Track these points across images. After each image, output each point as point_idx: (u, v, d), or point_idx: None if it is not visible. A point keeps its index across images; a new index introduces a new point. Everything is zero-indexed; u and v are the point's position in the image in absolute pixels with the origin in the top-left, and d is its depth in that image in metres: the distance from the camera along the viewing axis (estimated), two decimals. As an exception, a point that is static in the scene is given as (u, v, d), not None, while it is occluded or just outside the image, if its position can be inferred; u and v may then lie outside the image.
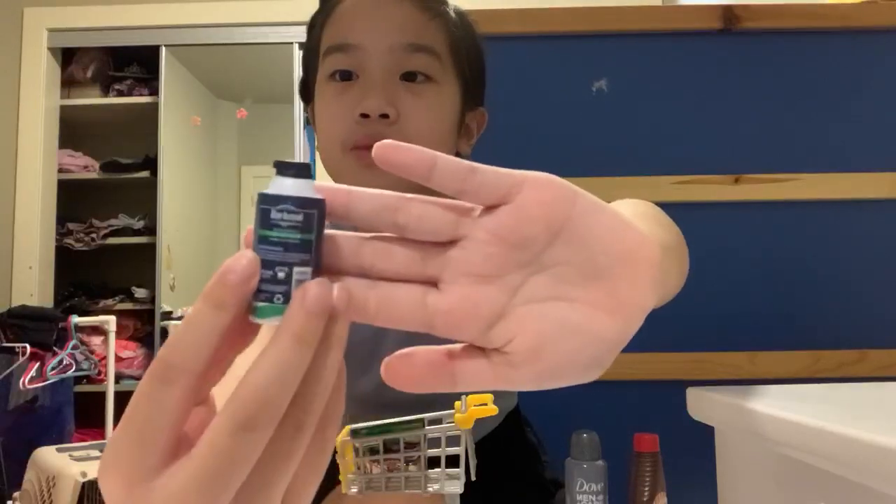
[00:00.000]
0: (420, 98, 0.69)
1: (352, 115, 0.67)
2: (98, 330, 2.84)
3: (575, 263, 0.29)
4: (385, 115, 0.67)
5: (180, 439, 0.27)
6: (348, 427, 0.54)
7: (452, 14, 0.74)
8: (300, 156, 3.13)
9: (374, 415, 0.75)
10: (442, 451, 0.51)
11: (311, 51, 0.77)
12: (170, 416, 0.26)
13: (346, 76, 0.70)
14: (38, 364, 2.33)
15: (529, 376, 0.30)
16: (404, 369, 0.31)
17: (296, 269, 0.28)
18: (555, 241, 0.29)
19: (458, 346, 0.32)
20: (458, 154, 0.79)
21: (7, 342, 2.35)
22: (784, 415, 0.49)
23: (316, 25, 0.76)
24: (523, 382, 0.30)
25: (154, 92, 3.23)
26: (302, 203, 0.28)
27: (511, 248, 0.30)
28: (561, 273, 0.30)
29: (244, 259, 0.27)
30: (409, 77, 0.69)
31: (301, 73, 0.80)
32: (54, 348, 2.40)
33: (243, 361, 0.28)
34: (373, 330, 0.81)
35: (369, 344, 0.81)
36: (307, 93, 0.79)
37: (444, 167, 0.30)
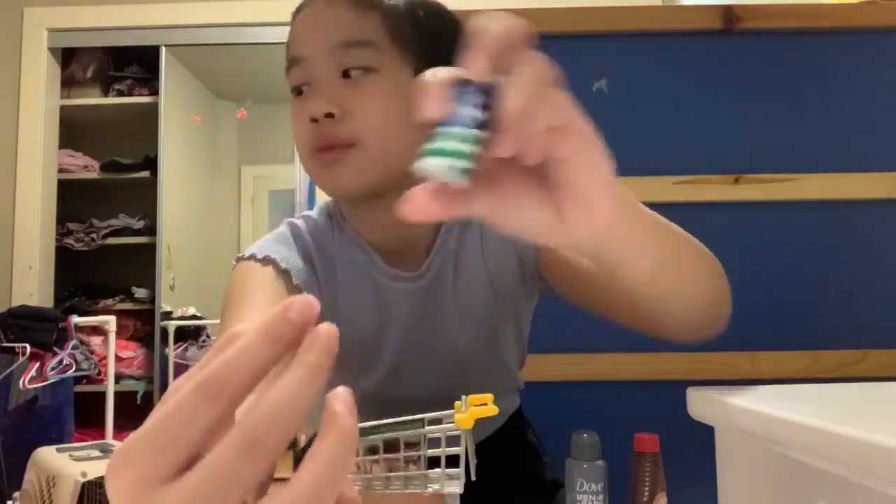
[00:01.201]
0: (362, 90, 0.70)
1: (306, 123, 0.71)
2: (98, 330, 2.84)
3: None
4: (330, 115, 0.70)
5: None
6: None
7: (391, 2, 0.74)
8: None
9: (376, 413, 0.76)
10: (442, 451, 0.51)
11: None
12: (202, 431, 0.26)
13: (301, 89, 0.73)
14: (38, 364, 2.34)
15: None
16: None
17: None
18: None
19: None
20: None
21: (7, 342, 2.35)
22: (784, 415, 0.49)
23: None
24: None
25: (154, 92, 3.23)
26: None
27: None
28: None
29: (303, 300, 0.28)
30: (349, 73, 0.71)
31: None
32: (54, 348, 2.40)
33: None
34: (371, 330, 0.81)
35: (369, 343, 0.81)
36: None
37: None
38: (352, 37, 0.71)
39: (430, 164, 0.34)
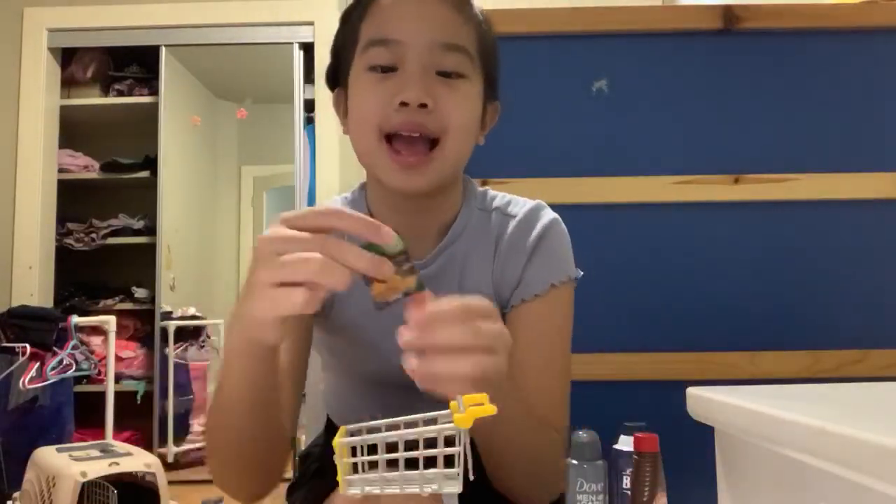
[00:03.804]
0: (454, 91, 0.75)
1: (391, 103, 0.73)
2: (98, 330, 2.84)
3: None
4: (423, 105, 0.73)
5: None
6: (345, 428, 0.54)
7: (480, 16, 0.80)
8: (300, 155, 3.13)
9: (378, 394, 0.76)
10: (440, 451, 0.51)
11: (345, 39, 0.81)
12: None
13: (385, 69, 0.75)
14: (38, 364, 2.33)
15: None
16: None
17: None
18: None
19: None
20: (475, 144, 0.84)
21: (7, 342, 2.35)
22: (784, 415, 0.49)
23: (352, 17, 0.80)
24: None
25: (154, 92, 3.23)
26: None
27: None
28: None
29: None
30: (444, 73, 0.75)
31: (331, 60, 0.85)
32: (54, 348, 2.40)
33: None
34: (370, 314, 0.81)
35: (368, 326, 0.82)
36: (335, 79, 0.84)
37: None
38: (455, 40, 0.75)
39: None
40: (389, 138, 0.75)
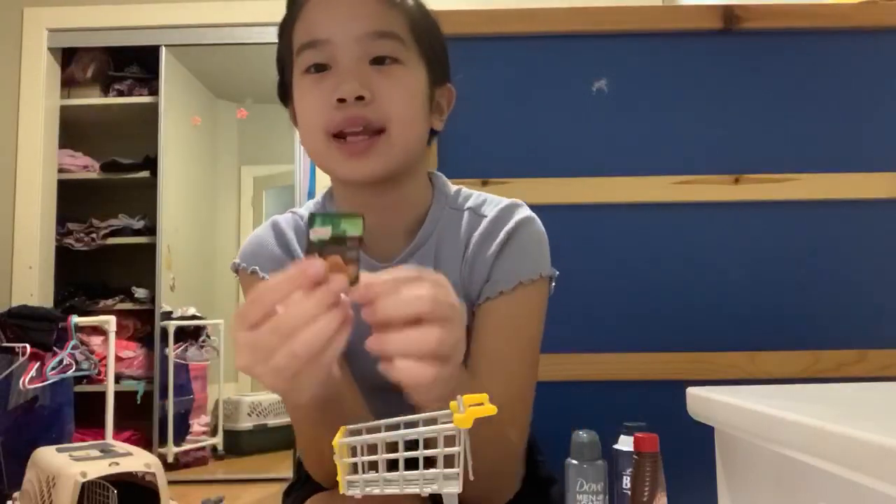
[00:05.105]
0: (390, 78, 0.74)
1: (329, 102, 0.73)
2: (98, 330, 2.84)
3: None
4: (360, 98, 0.72)
5: None
6: (345, 428, 0.54)
7: (410, 1, 0.79)
8: (300, 155, 3.13)
9: (365, 395, 0.76)
10: (440, 451, 0.51)
11: (284, 53, 0.81)
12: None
13: (320, 69, 0.75)
14: (38, 364, 2.33)
15: None
16: None
17: None
18: None
19: None
20: (431, 130, 0.82)
21: (7, 342, 2.34)
22: (784, 415, 0.49)
23: (286, 28, 0.80)
24: None
25: (154, 92, 3.23)
26: None
27: None
28: None
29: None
30: (377, 61, 0.75)
31: (278, 77, 0.84)
32: (54, 348, 2.40)
33: None
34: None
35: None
36: (285, 94, 0.84)
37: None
38: (382, 27, 0.75)
39: None
40: (337, 138, 0.74)
